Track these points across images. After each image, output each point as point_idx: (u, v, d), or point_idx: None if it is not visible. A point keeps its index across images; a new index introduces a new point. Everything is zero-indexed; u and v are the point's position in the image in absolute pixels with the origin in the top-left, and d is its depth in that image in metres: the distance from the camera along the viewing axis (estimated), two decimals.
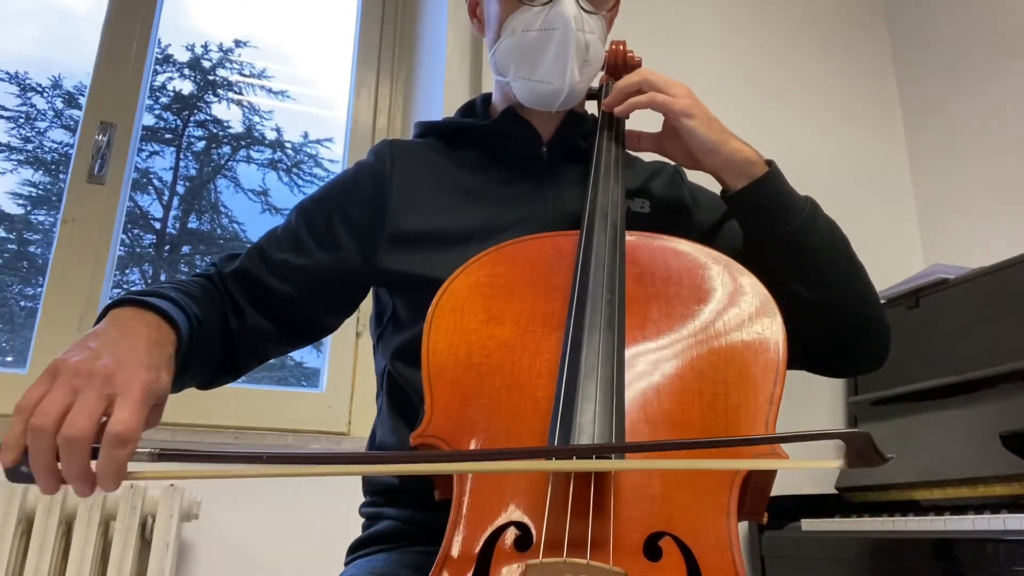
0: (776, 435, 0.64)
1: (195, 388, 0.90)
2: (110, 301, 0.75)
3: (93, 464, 0.60)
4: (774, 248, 0.89)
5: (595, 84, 1.11)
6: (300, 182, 2.22)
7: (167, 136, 2.14)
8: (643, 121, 1.09)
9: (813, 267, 0.90)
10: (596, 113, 1.07)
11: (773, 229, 0.90)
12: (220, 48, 2.23)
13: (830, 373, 1.00)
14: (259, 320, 0.93)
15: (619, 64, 1.08)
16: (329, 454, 0.65)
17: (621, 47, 1.09)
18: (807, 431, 0.61)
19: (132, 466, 0.60)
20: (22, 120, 1.97)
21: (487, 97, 1.13)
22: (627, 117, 1.00)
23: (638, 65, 1.09)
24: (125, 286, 2.04)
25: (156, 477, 0.64)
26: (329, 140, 2.25)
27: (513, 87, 1.01)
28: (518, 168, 1.03)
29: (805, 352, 0.84)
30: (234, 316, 0.92)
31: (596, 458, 0.62)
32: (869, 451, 0.54)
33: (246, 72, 2.23)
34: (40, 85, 1.99)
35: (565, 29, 0.94)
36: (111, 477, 0.59)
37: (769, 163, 0.94)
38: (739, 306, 0.77)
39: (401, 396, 0.95)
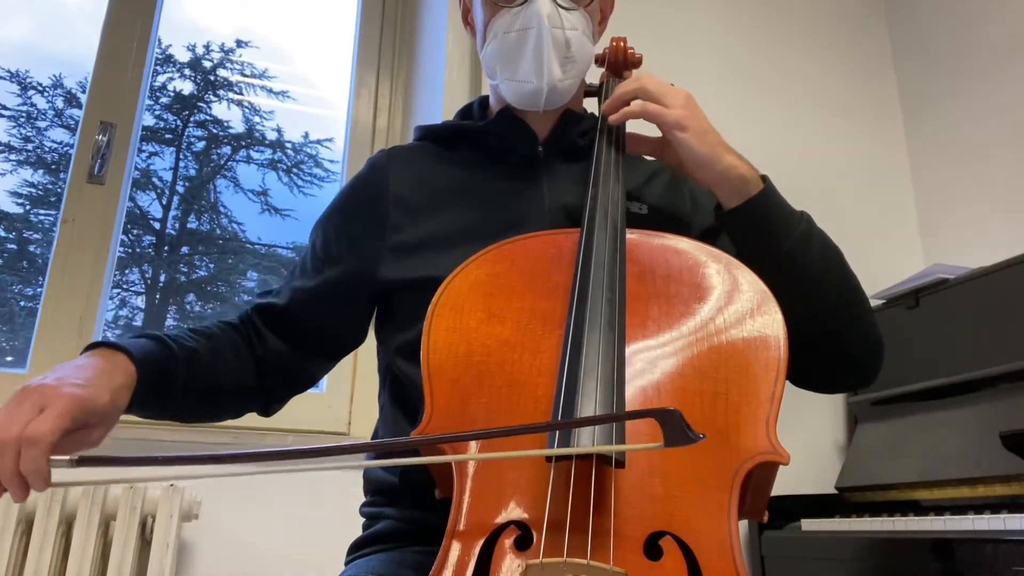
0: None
1: (231, 417, 0.98)
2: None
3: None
4: (765, 266, 0.85)
5: (596, 81, 1.11)
6: (300, 182, 2.22)
7: (167, 136, 2.14)
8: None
9: (805, 285, 0.88)
10: (597, 111, 1.07)
11: (764, 248, 0.88)
12: (221, 48, 2.23)
13: (818, 389, 0.97)
14: (278, 343, 0.98)
15: (620, 61, 1.08)
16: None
17: (622, 44, 1.09)
18: (623, 412, 0.63)
19: (66, 475, 0.66)
20: (23, 119, 1.97)
21: (484, 100, 1.13)
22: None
23: (639, 62, 1.08)
24: (125, 286, 2.04)
25: (77, 484, 0.70)
26: (329, 140, 2.25)
27: (501, 89, 1.03)
28: (514, 168, 1.03)
29: (794, 368, 0.84)
30: (258, 344, 0.98)
31: (596, 457, 0.62)
32: (680, 429, 0.56)
33: (246, 72, 2.23)
34: (40, 84, 2.00)
35: (539, 27, 0.95)
36: (30, 476, 0.65)
37: (764, 179, 0.91)
38: (739, 304, 0.77)
39: (403, 395, 0.95)
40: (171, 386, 0.84)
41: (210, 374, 0.90)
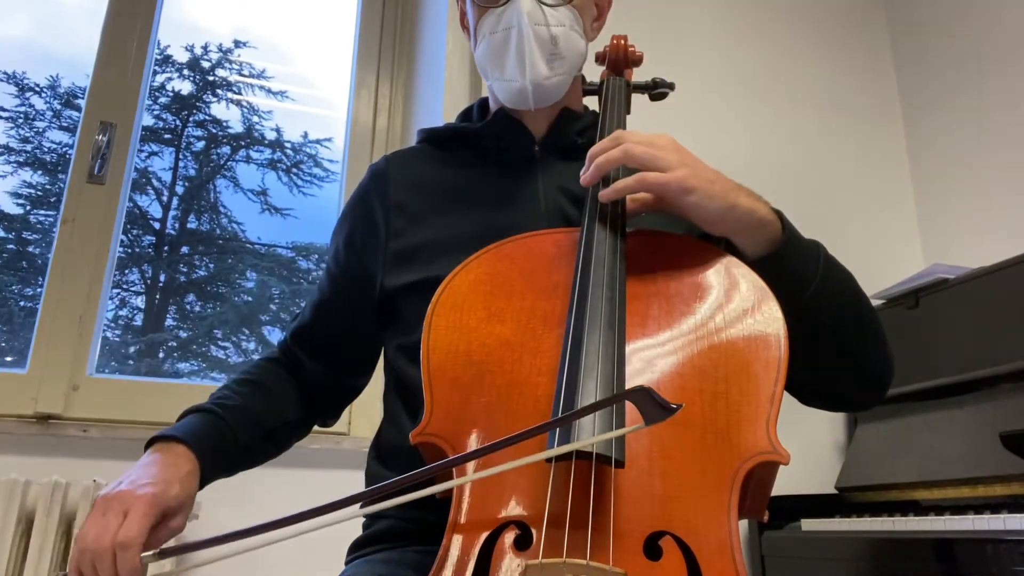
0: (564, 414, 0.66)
1: (298, 440, 1.05)
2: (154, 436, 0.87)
3: None
4: (792, 305, 0.79)
5: (597, 79, 1.11)
6: (300, 182, 2.22)
7: (166, 136, 2.14)
8: (648, 109, 1.07)
9: (826, 316, 0.85)
10: (597, 109, 1.07)
11: (793, 291, 0.80)
12: (219, 48, 2.23)
13: (827, 407, 0.96)
14: (315, 367, 1.03)
15: (620, 59, 1.08)
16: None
17: (622, 42, 1.09)
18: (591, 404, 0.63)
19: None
20: (21, 121, 1.97)
21: (484, 102, 1.13)
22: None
23: (640, 60, 1.08)
24: (125, 286, 2.04)
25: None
26: (329, 140, 2.25)
27: (494, 89, 1.03)
28: (511, 169, 1.03)
29: (805, 386, 0.84)
30: (300, 372, 1.04)
31: (596, 457, 0.62)
32: (654, 404, 0.57)
33: (245, 72, 2.23)
34: (38, 85, 1.99)
35: (520, 25, 0.95)
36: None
37: (778, 213, 0.84)
38: (740, 303, 0.76)
39: (407, 396, 0.96)
40: (231, 451, 0.91)
41: (264, 421, 0.96)
